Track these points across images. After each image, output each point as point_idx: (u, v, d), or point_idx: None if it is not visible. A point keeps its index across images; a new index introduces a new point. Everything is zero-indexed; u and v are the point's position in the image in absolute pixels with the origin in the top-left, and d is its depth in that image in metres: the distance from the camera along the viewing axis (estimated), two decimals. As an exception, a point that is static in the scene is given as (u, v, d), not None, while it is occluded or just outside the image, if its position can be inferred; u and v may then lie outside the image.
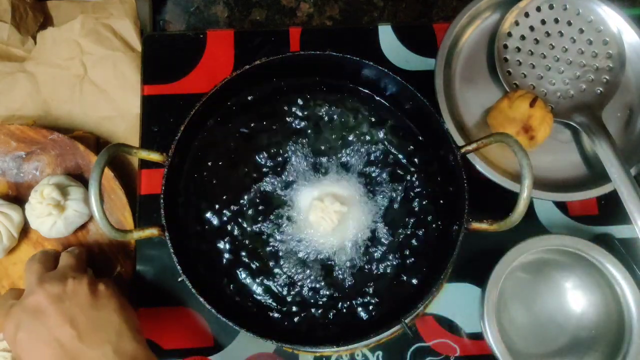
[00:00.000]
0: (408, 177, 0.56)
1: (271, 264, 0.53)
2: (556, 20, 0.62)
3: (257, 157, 0.56)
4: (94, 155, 0.63)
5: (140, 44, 0.69)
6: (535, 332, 0.58)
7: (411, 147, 0.57)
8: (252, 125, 0.57)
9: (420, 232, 0.54)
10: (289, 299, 0.52)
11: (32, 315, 0.47)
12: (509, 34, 0.61)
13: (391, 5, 0.76)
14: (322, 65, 0.56)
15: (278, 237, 0.53)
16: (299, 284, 0.52)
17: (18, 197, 0.63)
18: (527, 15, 0.62)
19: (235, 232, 0.54)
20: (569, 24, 0.62)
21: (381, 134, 0.57)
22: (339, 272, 0.53)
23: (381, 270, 0.53)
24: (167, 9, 0.75)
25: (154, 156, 0.51)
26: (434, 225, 0.54)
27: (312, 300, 0.52)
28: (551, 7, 0.62)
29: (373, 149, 0.56)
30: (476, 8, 0.62)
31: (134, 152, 0.50)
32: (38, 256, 0.53)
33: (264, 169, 0.55)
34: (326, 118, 0.57)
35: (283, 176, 0.55)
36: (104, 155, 0.46)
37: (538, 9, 0.62)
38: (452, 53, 0.62)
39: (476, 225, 0.49)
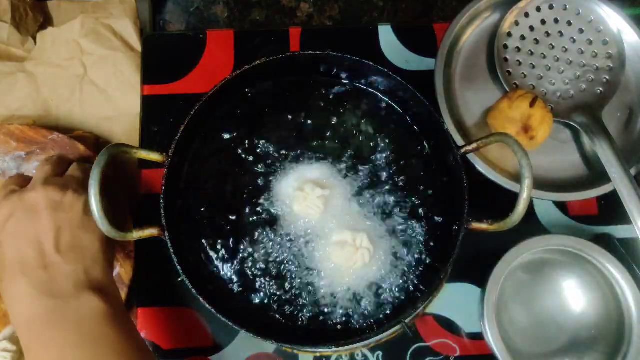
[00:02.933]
0: (408, 177, 0.56)
1: (270, 262, 0.53)
2: (556, 21, 0.62)
3: (257, 156, 0.56)
4: (94, 155, 0.63)
5: (140, 44, 0.69)
6: (535, 332, 0.58)
7: (411, 147, 0.57)
8: (252, 125, 0.57)
9: (420, 233, 0.54)
10: (288, 298, 0.52)
11: (27, 211, 0.49)
12: (509, 34, 0.61)
13: (391, 5, 0.76)
14: (322, 65, 0.56)
15: (278, 234, 0.54)
16: (299, 281, 0.52)
17: (18, 197, 0.63)
18: (527, 15, 0.62)
19: (235, 232, 0.54)
20: (569, 24, 0.62)
21: (380, 134, 0.57)
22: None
23: (382, 271, 0.53)
24: (167, 9, 0.75)
25: (154, 156, 0.51)
26: (433, 225, 0.54)
27: (312, 299, 0.52)
28: (551, 7, 0.62)
29: (373, 150, 0.56)
30: (476, 8, 0.62)
31: (134, 152, 0.50)
32: (54, 159, 0.55)
33: (265, 168, 0.55)
34: (325, 117, 0.57)
35: (284, 175, 0.55)
36: (104, 155, 0.46)
37: (538, 9, 0.62)
38: (452, 53, 0.62)
39: (476, 225, 0.49)
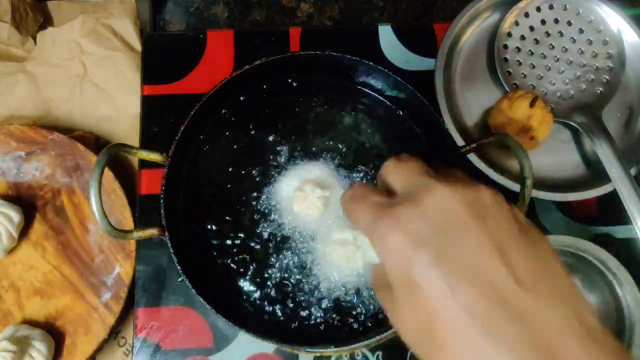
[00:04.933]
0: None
1: (270, 262, 0.53)
2: (556, 21, 0.62)
3: (257, 156, 0.56)
4: (94, 155, 0.63)
5: (140, 44, 0.69)
6: (535, 332, 0.58)
7: (411, 147, 0.57)
8: (252, 124, 0.57)
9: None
10: (288, 297, 0.52)
11: (444, 231, 0.29)
12: (509, 34, 0.61)
13: (391, 5, 0.76)
14: (322, 65, 0.56)
15: (278, 233, 0.54)
16: (298, 281, 0.52)
17: (18, 197, 0.63)
18: (527, 15, 0.62)
19: (235, 232, 0.54)
20: (569, 24, 0.62)
21: (380, 134, 0.57)
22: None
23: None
24: (167, 9, 0.75)
25: (154, 156, 0.51)
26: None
27: (312, 299, 0.52)
28: (551, 7, 0.62)
29: (372, 150, 0.56)
30: (476, 8, 0.62)
31: (134, 152, 0.50)
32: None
33: (265, 168, 0.55)
34: (325, 117, 0.57)
35: (284, 175, 0.55)
36: (104, 155, 0.46)
37: (538, 9, 0.62)
38: (452, 53, 0.62)
39: (476, 225, 0.49)
